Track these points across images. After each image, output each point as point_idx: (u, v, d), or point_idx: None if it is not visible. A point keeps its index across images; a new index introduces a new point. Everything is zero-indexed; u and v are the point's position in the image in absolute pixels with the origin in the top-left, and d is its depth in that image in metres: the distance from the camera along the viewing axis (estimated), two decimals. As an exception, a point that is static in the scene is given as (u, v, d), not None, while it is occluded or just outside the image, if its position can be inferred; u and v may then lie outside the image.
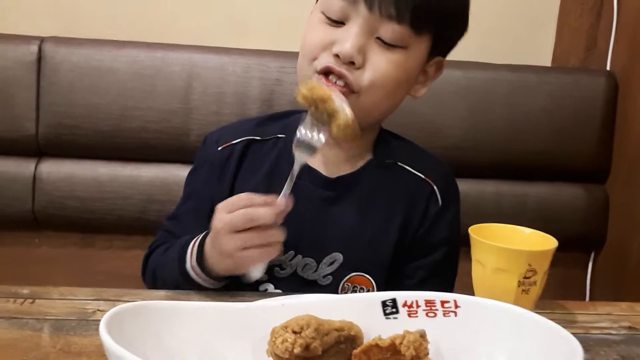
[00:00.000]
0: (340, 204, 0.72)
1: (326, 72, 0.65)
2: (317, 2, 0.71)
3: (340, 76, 0.64)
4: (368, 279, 0.71)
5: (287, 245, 0.71)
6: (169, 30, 1.28)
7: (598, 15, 1.30)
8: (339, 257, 0.71)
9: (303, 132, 0.61)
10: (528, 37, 1.35)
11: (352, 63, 0.64)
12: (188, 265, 0.66)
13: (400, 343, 0.41)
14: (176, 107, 1.17)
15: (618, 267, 1.28)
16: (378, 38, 0.65)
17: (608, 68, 1.29)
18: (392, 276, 0.73)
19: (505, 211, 1.24)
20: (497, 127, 1.24)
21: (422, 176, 0.75)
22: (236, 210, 0.59)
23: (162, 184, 1.19)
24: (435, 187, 0.74)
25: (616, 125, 1.28)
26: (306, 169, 0.71)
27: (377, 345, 0.42)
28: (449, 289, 0.76)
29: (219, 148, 0.75)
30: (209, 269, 0.64)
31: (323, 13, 0.67)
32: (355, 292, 0.72)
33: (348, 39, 0.64)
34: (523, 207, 1.26)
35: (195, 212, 0.75)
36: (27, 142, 1.17)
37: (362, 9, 0.64)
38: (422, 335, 0.43)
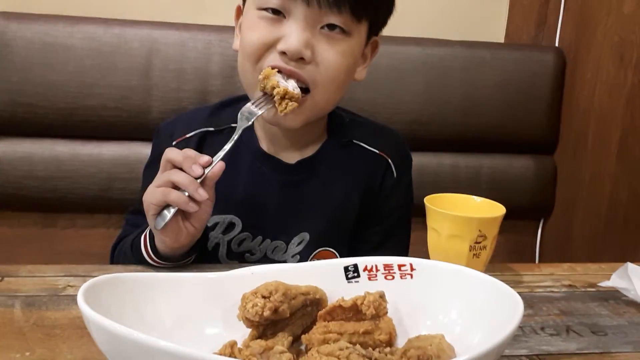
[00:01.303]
0: (302, 187, 0.75)
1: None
2: (243, 5, 0.70)
3: (290, 75, 0.64)
4: (332, 252, 0.75)
5: (254, 231, 0.73)
6: (127, 6, 1.25)
7: (547, -7, 1.35)
8: (306, 236, 0.74)
9: (249, 105, 0.64)
10: (482, 14, 1.40)
11: (301, 59, 0.63)
12: (142, 247, 0.67)
13: (362, 303, 0.45)
14: (136, 84, 1.16)
15: (564, 232, 1.37)
16: (322, 28, 0.64)
17: (557, 44, 1.35)
18: (351, 243, 0.77)
19: (462, 182, 1.30)
20: (453, 101, 1.28)
21: (377, 151, 0.78)
22: (175, 154, 0.60)
23: (125, 161, 1.18)
24: (390, 161, 0.78)
25: (564, 99, 1.35)
26: (266, 158, 0.74)
27: (340, 306, 0.46)
28: (404, 250, 0.82)
29: (174, 142, 0.75)
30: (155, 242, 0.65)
31: (259, 9, 0.64)
32: None
33: (292, 34, 0.62)
34: (478, 178, 1.32)
35: None
36: (-20, 121, 1.14)
37: (300, 2, 0.62)
38: (382, 295, 0.46)
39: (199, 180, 0.60)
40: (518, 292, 0.46)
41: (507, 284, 0.47)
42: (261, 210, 0.73)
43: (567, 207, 1.36)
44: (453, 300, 0.47)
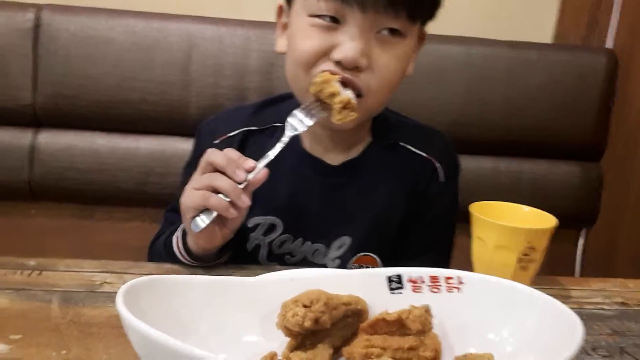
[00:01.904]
0: (345, 189, 0.73)
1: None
2: (289, 6, 0.67)
3: (347, 83, 0.62)
4: (374, 258, 0.73)
5: (296, 233, 0.72)
6: (167, 0, 1.26)
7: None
8: (347, 240, 0.72)
9: (298, 113, 0.62)
10: (530, 14, 1.34)
11: (357, 67, 0.62)
12: (174, 246, 0.66)
13: (407, 317, 0.43)
14: (175, 78, 1.16)
15: (608, 244, 1.31)
16: (377, 33, 0.62)
17: (609, 46, 1.29)
18: (392, 249, 0.74)
19: (502, 187, 1.26)
20: (495, 103, 1.24)
21: (425, 155, 0.75)
22: (218, 156, 0.59)
23: (161, 156, 1.18)
24: (437, 165, 0.75)
25: (614, 104, 1.29)
26: (309, 159, 0.72)
27: (383, 319, 0.43)
28: (446, 261, 0.79)
29: (216, 141, 0.73)
30: (188, 242, 0.64)
31: (312, 16, 0.62)
32: None
33: (348, 42, 0.60)
34: (519, 184, 1.27)
35: None
36: (23, 112, 1.16)
37: (356, 9, 0.60)
38: (427, 310, 0.44)
39: (241, 186, 0.58)
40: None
41: (554, 298, 0.44)
42: (303, 213, 0.72)
43: (613, 217, 1.30)
44: (504, 318, 0.44)
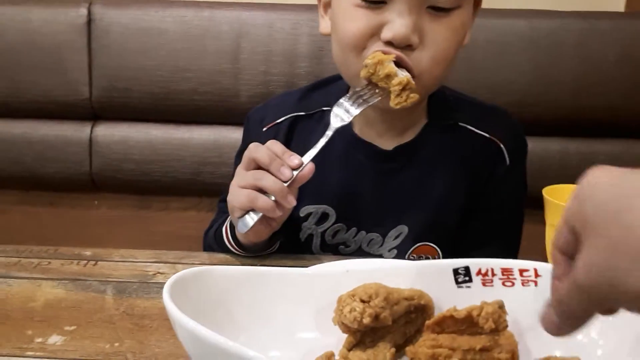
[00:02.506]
0: (400, 175, 0.68)
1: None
2: None
3: (400, 61, 0.57)
4: (434, 247, 0.68)
5: (349, 222, 0.68)
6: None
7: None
8: (404, 229, 0.68)
9: (344, 102, 0.58)
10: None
11: (409, 45, 0.57)
12: (223, 230, 0.65)
13: (478, 315, 0.38)
14: (225, 67, 1.15)
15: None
16: (430, 7, 0.57)
17: (693, 11, 1.17)
18: (455, 239, 0.69)
19: (572, 171, 1.14)
20: (564, 80, 1.15)
21: (487, 135, 0.69)
22: (262, 153, 0.56)
23: (214, 145, 1.18)
24: (502, 146, 0.69)
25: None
26: (361, 144, 0.68)
27: (451, 316, 0.39)
28: (514, 250, 0.72)
29: (264, 129, 0.71)
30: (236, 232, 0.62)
31: None
32: None
33: (397, 19, 0.56)
34: (591, 166, 1.18)
35: None
36: (82, 106, 1.18)
37: None
38: (501, 306, 0.39)
39: (286, 183, 0.55)
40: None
41: None
42: (356, 200, 0.68)
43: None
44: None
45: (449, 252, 0.68)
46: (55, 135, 1.20)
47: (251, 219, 0.56)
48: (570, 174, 1.25)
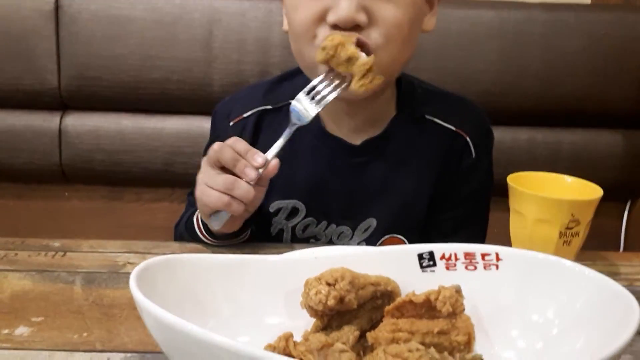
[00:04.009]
0: (368, 169, 0.69)
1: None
2: None
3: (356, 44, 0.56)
4: (402, 240, 0.70)
5: (319, 216, 0.69)
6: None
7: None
8: (373, 222, 0.69)
9: (300, 97, 0.58)
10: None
11: (357, 26, 0.56)
12: (194, 221, 0.66)
13: (436, 299, 0.40)
14: (198, 55, 1.14)
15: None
16: None
17: (655, 4, 1.20)
18: (422, 230, 0.71)
19: (539, 159, 1.20)
20: (531, 71, 1.17)
21: (454, 128, 0.70)
22: (225, 154, 0.56)
23: (187, 135, 1.17)
24: (468, 139, 0.70)
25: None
26: (329, 139, 0.68)
27: (410, 301, 0.40)
28: (481, 239, 0.74)
29: (231, 123, 0.71)
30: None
31: None
32: None
33: (341, 1, 0.55)
34: (557, 155, 1.21)
35: None
36: (50, 95, 1.16)
37: None
38: (458, 290, 0.41)
39: (252, 182, 0.56)
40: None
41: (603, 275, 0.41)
42: (325, 194, 0.68)
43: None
44: (549, 298, 0.41)
45: (416, 242, 0.69)
46: (24, 125, 1.17)
47: (222, 217, 0.57)
48: (539, 163, 1.29)
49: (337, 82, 0.58)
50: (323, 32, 0.58)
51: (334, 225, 0.70)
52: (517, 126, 1.21)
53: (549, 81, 1.18)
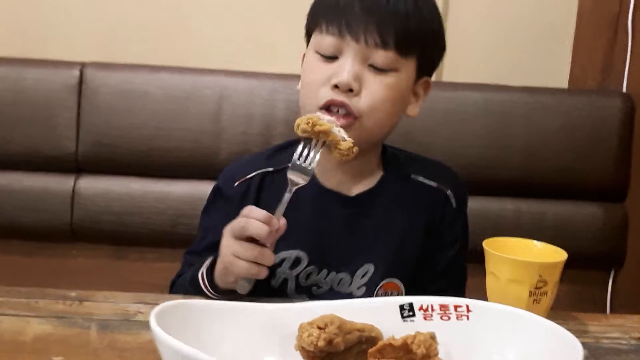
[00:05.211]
0: (363, 219, 0.77)
1: (328, 106, 0.70)
2: (307, 44, 0.77)
3: (341, 105, 0.70)
4: (397, 284, 0.77)
5: (320, 264, 0.76)
6: (200, 56, 1.35)
7: (614, 37, 1.33)
8: (370, 267, 0.76)
9: (297, 158, 0.66)
10: (544, 59, 1.39)
11: (351, 90, 0.70)
12: (199, 277, 0.70)
13: (412, 342, 0.45)
14: (207, 127, 1.23)
15: (638, 285, 1.28)
16: (371, 65, 0.70)
17: (625, 90, 1.32)
18: (411, 276, 0.78)
19: (524, 228, 1.27)
20: (515, 146, 1.26)
21: (435, 185, 0.81)
22: (254, 228, 0.63)
23: (191, 199, 1.24)
24: (448, 192, 0.81)
25: (635, 146, 1.29)
26: (327, 193, 0.77)
27: (390, 344, 0.46)
28: (464, 281, 0.83)
29: (235, 184, 0.79)
30: (215, 279, 0.68)
31: (317, 52, 0.72)
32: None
33: (343, 69, 0.70)
34: (541, 225, 1.28)
35: (216, 247, 0.73)
36: (67, 160, 1.24)
37: (351, 42, 0.70)
38: (432, 336, 0.47)
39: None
40: (582, 342, 0.45)
41: (571, 332, 0.46)
42: (325, 244, 0.76)
43: (640, 257, 1.28)
44: (510, 344, 0.47)
45: (411, 286, 0.78)
46: (40, 187, 1.24)
47: (250, 283, 0.65)
48: (523, 231, 1.35)
49: (320, 143, 0.67)
50: (324, 91, 0.71)
51: (334, 273, 0.76)
52: (504, 197, 1.29)
53: (531, 156, 1.27)
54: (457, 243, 0.82)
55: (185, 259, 0.84)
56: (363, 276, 0.76)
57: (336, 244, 0.76)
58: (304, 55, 0.78)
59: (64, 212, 1.25)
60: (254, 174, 0.80)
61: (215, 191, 0.84)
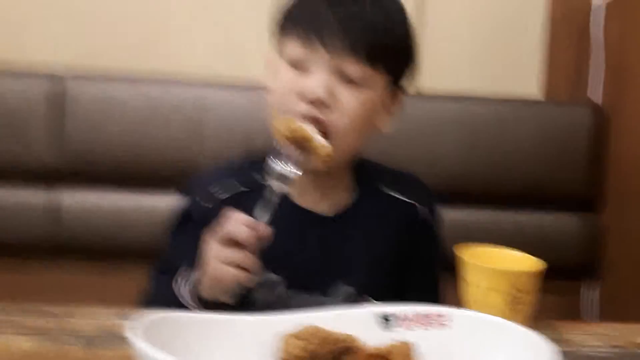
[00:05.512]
0: (338, 239, 0.77)
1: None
2: (273, 46, 0.74)
3: (317, 122, 0.68)
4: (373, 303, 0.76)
5: (295, 286, 0.74)
6: (181, 63, 1.34)
7: (585, 48, 1.36)
8: (346, 288, 0.75)
9: (277, 164, 0.66)
10: (516, 70, 1.40)
11: (323, 103, 0.68)
12: (182, 289, 0.69)
13: (389, 351, 0.46)
14: (188, 138, 1.23)
15: (613, 294, 1.31)
16: (342, 77, 0.69)
17: (596, 101, 1.35)
18: (389, 294, 0.78)
19: (498, 239, 1.28)
20: (488, 157, 1.29)
21: (407, 199, 0.80)
22: (241, 232, 0.62)
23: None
24: (419, 207, 0.81)
25: (608, 156, 1.32)
26: (301, 212, 0.76)
27: (370, 354, 0.47)
28: (442, 294, 0.83)
29: (206, 205, 0.75)
30: (198, 287, 0.66)
31: (286, 61, 0.71)
32: None
33: (316, 82, 0.68)
34: (515, 235, 1.30)
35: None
36: (47, 173, 1.23)
37: (321, 50, 0.68)
38: (410, 345, 0.48)
39: None
40: (563, 351, 0.46)
41: (551, 341, 0.47)
42: (299, 265, 0.75)
43: (613, 267, 1.31)
44: (491, 352, 0.48)
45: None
46: (21, 201, 1.22)
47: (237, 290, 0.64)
48: (497, 242, 1.37)
49: (297, 152, 0.67)
50: (299, 104, 0.68)
51: (307, 295, 0.74)
52: (477, 208, 1.30)
53: (506, 167, 1.29)
54: (432, 259, 0.82)
55: (152, 278, 0.80)
56: (338, 297, 0.75)
57: (311, 265, 0.75)
58: (269, 58, 0.75)
59: (45, 227, 1.23)
60: (227, 196, 0.76)
61: (180, 211, 0.80)
